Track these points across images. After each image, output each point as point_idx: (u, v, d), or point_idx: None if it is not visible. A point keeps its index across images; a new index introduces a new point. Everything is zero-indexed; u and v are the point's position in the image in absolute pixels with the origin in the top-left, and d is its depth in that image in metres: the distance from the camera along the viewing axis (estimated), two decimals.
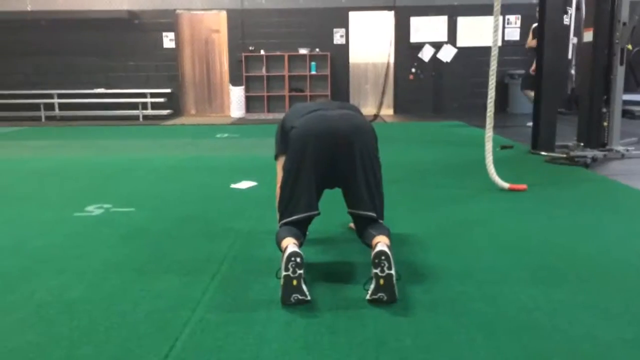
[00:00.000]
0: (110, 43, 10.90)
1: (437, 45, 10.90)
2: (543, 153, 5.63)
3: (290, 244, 2.22)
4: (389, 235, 2.38)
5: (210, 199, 4.00)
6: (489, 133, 4.23)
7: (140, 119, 10.73)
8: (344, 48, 10.99)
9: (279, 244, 2.36)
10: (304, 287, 2.14)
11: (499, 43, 4.26)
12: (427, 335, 1.90)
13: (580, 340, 1.85)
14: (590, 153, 5.36)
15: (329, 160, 2.45)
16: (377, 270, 2.12)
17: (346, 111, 2.62)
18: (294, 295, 2.12)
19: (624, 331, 1.92)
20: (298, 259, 2.11)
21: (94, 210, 3.69)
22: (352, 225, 2.84)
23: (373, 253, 2.16)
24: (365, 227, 2.49)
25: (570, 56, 6.80)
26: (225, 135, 8.11)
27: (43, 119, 10.80)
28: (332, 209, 2.97)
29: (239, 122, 10.21)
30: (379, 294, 2.14)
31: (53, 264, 2.66)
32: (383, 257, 2.11)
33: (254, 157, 5.83)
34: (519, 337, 1.88)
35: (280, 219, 2.52)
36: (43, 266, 2.63)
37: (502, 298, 2.20)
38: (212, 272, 2.51)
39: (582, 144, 5.73)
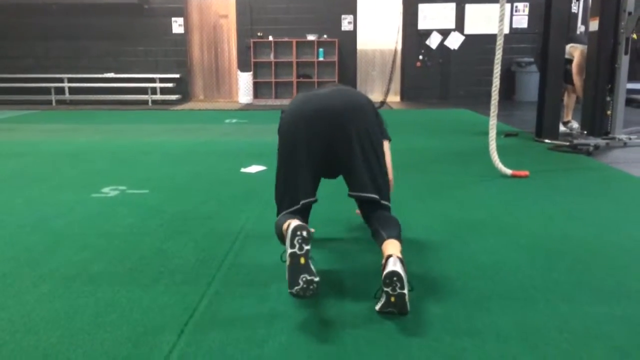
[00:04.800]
0: (120, 28, 11.00)
1: (445, 33, 10.93)
2: (547, 141, 5.72)
3: (293, 220, 2.00)
4: (399, 236, 2.16)
5: (222, 182, 4.13)
6: (492, 121, 4.33)
7: (149, 104, 10.86)
8: (352, 34, 11.04)
9: (279, 231, 2.12)
10: (312, 267, 1.90)
11: (506, 31, 4.33)
12: (425, 310, 2.03)
13: (571, 316, 1.98)
14: (593, 141, 5.45)
15: (322, 142, 2.24)
16: (389, 289, 1.92)
17: (338, 87, 2.41)
18: (302, 275, 1.86)
19: (614, 308, 2.04)
20: (304, 233, 1.89)
21: (110, 191, 3.84)
22: (358, 212, 2.55)
23: (384, 273, 1.92)
24: (371, 215, 2.31)
25: None
26: (234, 120, 8.23)
27: (54, 103, 10.96)
28: (336, 203, 3.09)
29: (247, 107, 10.32)
30: (389, 309, 1.96)
31: (75, 241, 2.81)
32: (395, 278, 1.90)
33: (262, 142, 5.96)
34: (514, 312, 2.01)
35: (278, 213, 2.36)
36: (65, 243, 2.78)
37: (499, 277, 2.33)
38: (225, 250, 2.65)
39: (585, 132, 5.83)
